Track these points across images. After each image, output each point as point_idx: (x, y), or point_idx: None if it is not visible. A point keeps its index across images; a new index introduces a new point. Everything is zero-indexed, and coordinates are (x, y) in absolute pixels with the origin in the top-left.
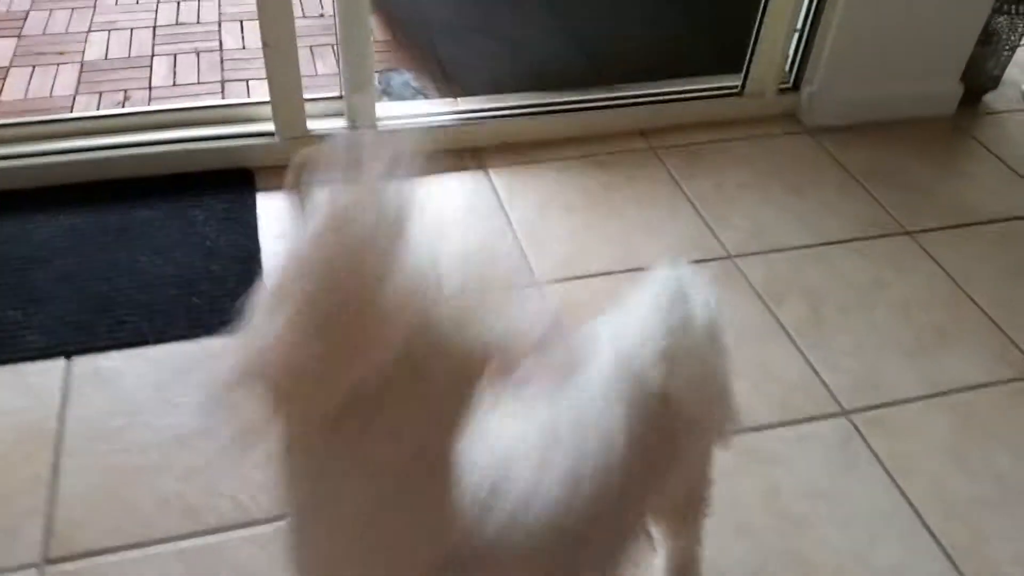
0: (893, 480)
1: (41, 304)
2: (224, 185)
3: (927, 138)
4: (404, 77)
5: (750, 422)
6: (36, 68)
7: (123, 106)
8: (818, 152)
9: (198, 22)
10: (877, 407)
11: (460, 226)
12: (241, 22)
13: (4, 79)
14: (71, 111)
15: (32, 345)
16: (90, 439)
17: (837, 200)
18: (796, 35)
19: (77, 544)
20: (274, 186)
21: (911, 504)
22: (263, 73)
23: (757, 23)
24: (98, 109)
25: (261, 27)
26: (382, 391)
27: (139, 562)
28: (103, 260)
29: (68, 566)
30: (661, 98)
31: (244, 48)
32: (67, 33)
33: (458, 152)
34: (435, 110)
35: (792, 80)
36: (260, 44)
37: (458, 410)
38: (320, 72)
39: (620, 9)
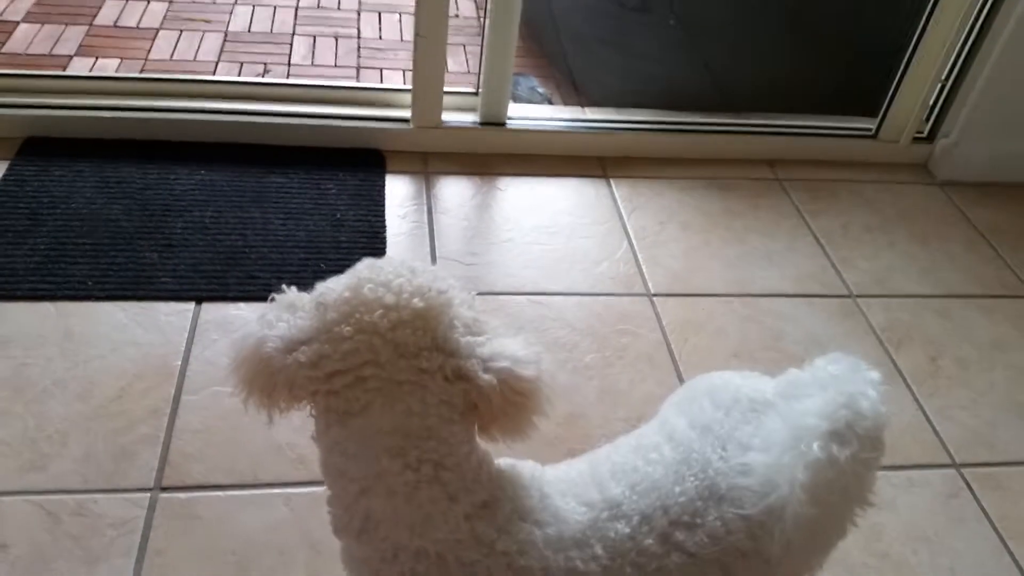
0: (1003, 540)
1: (176, 250)
2: (356, 163)
3: None
4: (531, 82)
5: None
6: (183, 32)
7: (263, 78)
8: (947, 205)
9: (339, 8)
10: (990, 465)
11: (574, 227)
12: (379, 13)
13: (153, 40)
14: (213, 76)
15: (166, 287)
16: (211, 380)
17: (963, 255)
18: (939, 85)
19: (189, 476)
20: (402, 170)
21: (1020, 568)
22: (397, 64)
23: (901, 69)
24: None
25: (417, 18)
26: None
27: (246, 500)
28: (238, 217)
29: (180, 495)
30: (792, 131)
31: (381, 39)
32: (215, 3)
33: (582, 159)
34: (562, 116)
35: (927, 130)
36: (396, 36)
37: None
38: (449, 69)
39: (753, 37)
